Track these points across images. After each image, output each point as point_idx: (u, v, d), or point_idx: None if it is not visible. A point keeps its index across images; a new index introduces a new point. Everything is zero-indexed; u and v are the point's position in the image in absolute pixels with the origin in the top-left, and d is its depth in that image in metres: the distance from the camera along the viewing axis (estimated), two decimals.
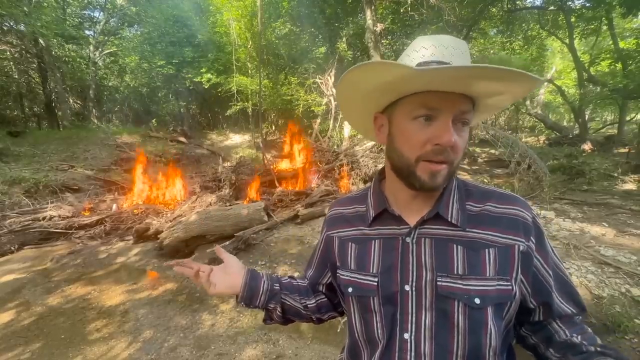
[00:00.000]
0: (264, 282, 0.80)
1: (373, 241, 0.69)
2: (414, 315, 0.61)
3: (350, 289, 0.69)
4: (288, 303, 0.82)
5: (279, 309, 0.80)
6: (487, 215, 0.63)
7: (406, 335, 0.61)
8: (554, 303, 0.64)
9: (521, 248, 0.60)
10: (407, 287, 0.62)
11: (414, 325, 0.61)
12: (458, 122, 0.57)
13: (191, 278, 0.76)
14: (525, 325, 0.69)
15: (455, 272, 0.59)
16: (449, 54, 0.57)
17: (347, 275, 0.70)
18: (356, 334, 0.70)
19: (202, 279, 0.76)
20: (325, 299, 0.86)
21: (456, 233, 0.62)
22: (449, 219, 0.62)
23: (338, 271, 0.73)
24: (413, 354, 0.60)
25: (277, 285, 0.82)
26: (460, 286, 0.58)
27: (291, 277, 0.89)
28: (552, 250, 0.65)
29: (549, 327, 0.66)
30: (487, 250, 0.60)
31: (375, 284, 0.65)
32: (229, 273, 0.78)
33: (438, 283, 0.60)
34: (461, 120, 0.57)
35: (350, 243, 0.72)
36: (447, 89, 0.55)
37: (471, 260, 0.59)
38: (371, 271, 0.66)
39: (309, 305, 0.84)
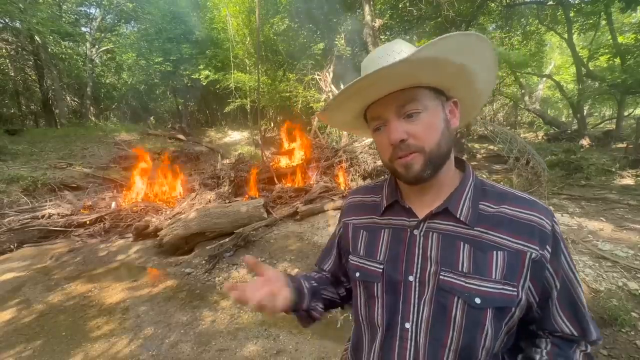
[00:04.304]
0: (304, 283, 0.77)
1: (383, 230, 0.72)
2: (416, 305, 0.63)
3: (357, 274, 0.73)
4: (328, 297, 0.84)
5: (320, 305, 0.80)
6: (501, 217, 0.62)
7: (407, 325, 0.63)
8: (550, 314, 0.63)
9: (533, 255, 0.59)
10: (410, 278, 0.64)
11: (415, 316, 0.62)
12: (405, 115, 0.61)
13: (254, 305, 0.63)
14: (522, 331, 0.68)
15: (460, 269, 0.60)
16: (375, 65, 0.56)
17: (356, 261, 0.74)
18: (360, 319, 0.73)
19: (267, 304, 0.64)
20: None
21: (464, 231, 0.62)
22: (458, 216, 0.63)
23: (350, 257, 0.77)
24: (413, 343, 0.62)
25: (314, 282, 0.82)
26: (463, 283, 0.59)
27: (316, 272, 0.91)
28: (569, 263, 0.62)
29: (536, 339, 0.66)
30: (495, 252, 0.59)
31: (381, 270, 0.68)
32: (273, 284, 0.68)
33: (440, 276, 0.61)
34: (407, 112, 0.60)
35: (362, 231, 0.76)
36: (375, 98, 0.62)
37: (477, 260, 0.60)
38: (378, 258, 0.70)
39: (341, 294, 0.88)
